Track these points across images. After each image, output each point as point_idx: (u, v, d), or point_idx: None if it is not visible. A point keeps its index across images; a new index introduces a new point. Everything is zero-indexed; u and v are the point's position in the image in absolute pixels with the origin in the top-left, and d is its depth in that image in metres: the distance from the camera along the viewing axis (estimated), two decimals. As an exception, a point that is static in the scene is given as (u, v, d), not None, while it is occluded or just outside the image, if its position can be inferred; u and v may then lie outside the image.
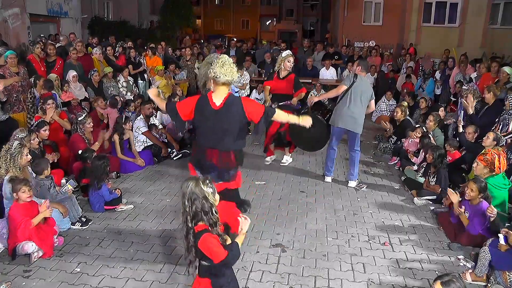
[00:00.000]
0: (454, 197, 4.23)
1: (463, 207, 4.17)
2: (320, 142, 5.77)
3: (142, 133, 6.38)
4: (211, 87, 3.54)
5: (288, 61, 5.83)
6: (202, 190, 2.33)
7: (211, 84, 3.53)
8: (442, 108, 7.41)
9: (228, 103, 3.48)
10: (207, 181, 2.39)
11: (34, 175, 4.39)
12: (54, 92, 6.66)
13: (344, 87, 5.21)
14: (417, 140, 6.27)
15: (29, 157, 4.33)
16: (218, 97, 3.50)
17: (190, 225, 2.31)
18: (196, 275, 2.50)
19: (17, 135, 4.66)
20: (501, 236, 3.52)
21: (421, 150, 5.98)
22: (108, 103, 7.05)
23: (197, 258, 2.39)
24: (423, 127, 6.51)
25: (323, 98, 5.72)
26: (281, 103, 5.76)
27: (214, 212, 2.35)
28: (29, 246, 3.63)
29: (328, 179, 5.79)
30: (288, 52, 6.11)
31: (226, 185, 3.68)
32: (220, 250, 2.30)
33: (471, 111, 5.97)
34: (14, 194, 3.73)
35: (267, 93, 6.19)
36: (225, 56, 3.51)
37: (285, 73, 5.91)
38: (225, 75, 3.39)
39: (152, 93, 3.86)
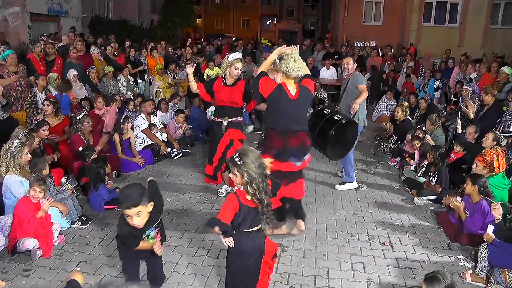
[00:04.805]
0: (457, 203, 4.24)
1: (463, 202, 4.18)
2: (351, 145, 5.04)
3: (142, 131, 6.37)
4: (278, 78, 3.73)
5: (236, 68, 4.55)
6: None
7: (279, 76, 3.73)
8: (422, 100, 8.07)
9: (301, 93, 3.75)
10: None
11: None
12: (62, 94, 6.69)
13: (364, 87, 5.18)
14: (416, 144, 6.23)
15: (29, 156, 4.32)
16: (291, 88, 3.73)
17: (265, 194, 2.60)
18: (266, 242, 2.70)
19: (19, 134, 4.63)
20: (490, 226, 3.57)
21: (416, 152, 6.01)
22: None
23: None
24: (423, 127, 6.52)
25: (361, 101, 5.08)
26: (231, 119, 4.74)
27: None
28: (30, 243, 3.63)
29: (355, 184, 5.52)
30: (236, 55, 4.65)
31: (305, 164, 3.91)
32: None
33: (472, 116, 5.97)
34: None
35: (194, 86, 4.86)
36: (296, 52, 3.70)
37: (232, 80, 4.68)
38: (298, 69, 3.64)
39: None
